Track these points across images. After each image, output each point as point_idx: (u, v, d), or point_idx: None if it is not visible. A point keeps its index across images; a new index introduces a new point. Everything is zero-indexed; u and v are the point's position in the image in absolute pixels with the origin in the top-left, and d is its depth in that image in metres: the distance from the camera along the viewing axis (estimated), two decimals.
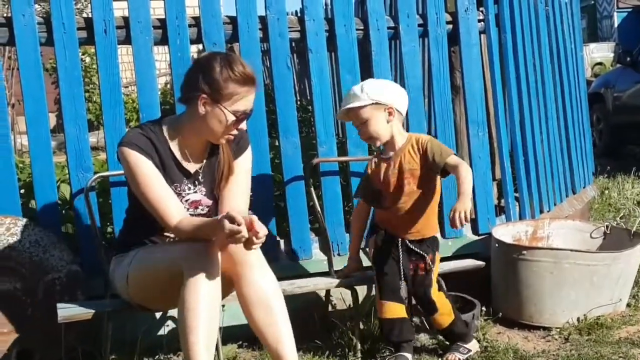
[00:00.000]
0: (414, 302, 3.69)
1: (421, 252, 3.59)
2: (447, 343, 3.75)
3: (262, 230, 2.87)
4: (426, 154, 3.50)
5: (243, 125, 3.18)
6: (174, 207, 3.12)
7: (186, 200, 3.25)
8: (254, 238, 2.87)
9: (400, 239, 3.58)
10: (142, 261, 3.17)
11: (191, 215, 3.23)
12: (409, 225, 3.59)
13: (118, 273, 3.27)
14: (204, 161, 3.28)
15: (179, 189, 3.22)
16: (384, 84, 3.61)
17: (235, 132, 3.17)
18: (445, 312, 3.65)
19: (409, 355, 3.56)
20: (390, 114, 3.50)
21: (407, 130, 4.23)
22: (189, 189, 3.26)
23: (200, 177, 3.27)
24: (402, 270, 3.56)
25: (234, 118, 3.11)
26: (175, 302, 2.98)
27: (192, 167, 3.26)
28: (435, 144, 3.54)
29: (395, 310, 3.56)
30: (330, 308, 4.12)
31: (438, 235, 3.75)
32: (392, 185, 3.56)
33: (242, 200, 3.28)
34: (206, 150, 3.28)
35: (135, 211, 3.31)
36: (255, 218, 2.88)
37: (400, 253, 3.57)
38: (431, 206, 3.61)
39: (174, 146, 3.22)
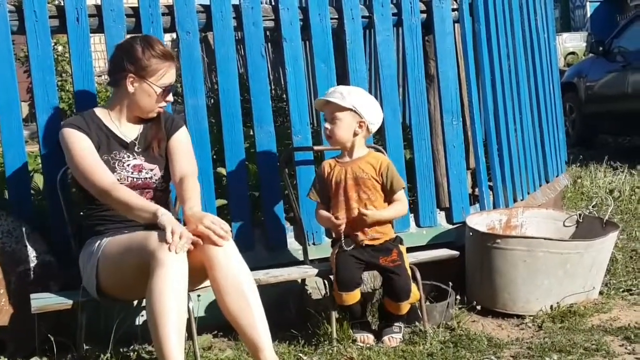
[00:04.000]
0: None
1: (384, 251, 3.72)
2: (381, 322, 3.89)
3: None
4: (382, 176, 3.72)
5: (170, 98, 3.49)
6: (108, 172, 3.32)
7: (128, 165, 3.42)
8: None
9: (361, 247, 3.71)
10: (110, 256, 3.23)
11: (136, 179, 3.41)
12: (364, 230, 3.72)
13: (87, 270, 3.32)
14: (139, 134, 3.50)
15: (118, 156, 3.42)
16: (370, 101, 3.78)
17: (163, 104, 3.48)
18: (412, 302, 3.77)
19: (368, 331, 3.79)
20: (360, 127, 3.70)
21: (382, 120, 4.28)
22: (128, 157, 3.44)
23: (136, 148, 3.47)
24: (365, 265, 3.71)
25: (159, 90, 3.41)
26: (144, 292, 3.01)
27: (127, 138, 3.48)
28: (392, 170, 3.77)
29: (353, 297, 3.71)
30: (305, 297, 4.12)
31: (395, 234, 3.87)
32: (343, 189, 3.73)
33: (189, 166, 3.50)
34: (139, 123, 3.53)
35: (85, 199, 3.43)
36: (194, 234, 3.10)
37: (364, 255, 3.70)
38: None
39: (107, 122, 3.48)
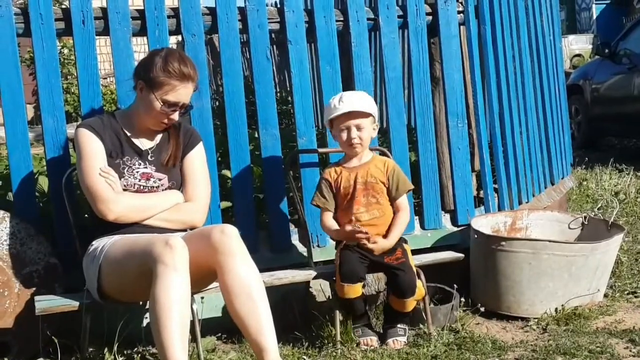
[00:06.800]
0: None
1: (388, 250, 3.72)
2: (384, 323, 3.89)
3: None
4: (388, 179, 3.74)
5: (174, 117, 3.45)
6: (112, 185, 3.33)
7: (137, 172, 3.44)
8: None
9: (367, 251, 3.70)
10: (113, 259, 3.24)
11: (142, 186, 3.43)
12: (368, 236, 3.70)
13: (90, 272, 3.34)
14: (155, 143, 3.51)
15: (130, 162, 3.43)
16: (374, 102, 3.82)
17: (166, 121, 3.44)
18: (417, 298, 3.77)
19: (372, 334, 3.79)
20: (374, 129, 3.77)
21: (387, 122, 4.29)
22: (140, 164, 3.45)
23: (149, 157, 3.48)
24: (369, 262, 3.69)
25: (160, 105, 3.39)
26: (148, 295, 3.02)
27: (143, 146, 3.51)
28: (398, 172, 3.78)
29: (355, 290, 3.70)
30: (309, 299, 4.12)
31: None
32: (351, 194, 3.72)
33: (202, 189, 3.55)
34: (156, 133, 3.55)
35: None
36: None
37: (369, 253, 3.69)
38: (387, 216, 3.76)
39: (125, 126, 3.51)
